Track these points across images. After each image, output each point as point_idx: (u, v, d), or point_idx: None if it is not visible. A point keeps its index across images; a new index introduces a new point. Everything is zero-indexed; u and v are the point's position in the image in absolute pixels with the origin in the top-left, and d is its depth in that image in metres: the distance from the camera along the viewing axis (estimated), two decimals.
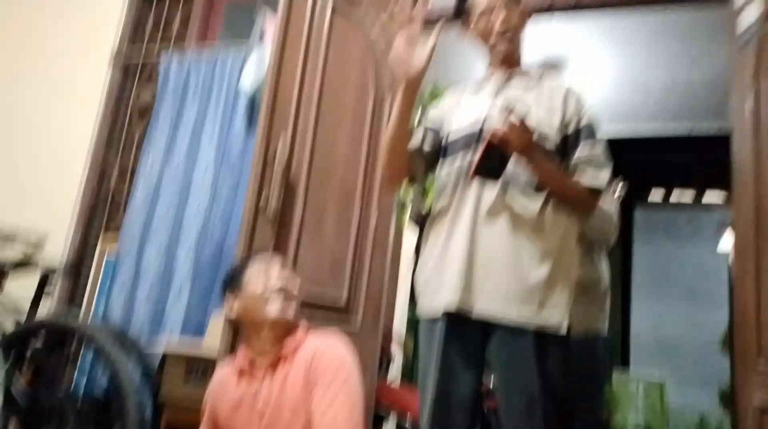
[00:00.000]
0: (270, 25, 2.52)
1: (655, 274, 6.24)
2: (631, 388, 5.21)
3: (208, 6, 3.20)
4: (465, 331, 1.53)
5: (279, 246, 2.11)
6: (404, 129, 1.61)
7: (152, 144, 2.76)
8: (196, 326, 2.37)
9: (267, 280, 1.65)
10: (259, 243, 2.06)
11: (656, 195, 6.24)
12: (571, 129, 1.61)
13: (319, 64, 2.35)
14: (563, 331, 1.51)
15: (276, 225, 2.11)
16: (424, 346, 1.62)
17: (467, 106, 1.69)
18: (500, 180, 1.54)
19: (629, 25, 3.28)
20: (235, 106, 2.66)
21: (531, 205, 1.55)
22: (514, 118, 1.44)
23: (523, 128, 1.46)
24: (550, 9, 2.62)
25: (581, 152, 1.59)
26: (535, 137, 1.50)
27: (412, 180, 1.76)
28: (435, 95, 3.14)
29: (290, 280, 1.68)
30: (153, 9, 3.24)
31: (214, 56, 2.86)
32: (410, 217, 3.58)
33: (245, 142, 2.57)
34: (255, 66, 2.54)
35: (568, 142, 1.61)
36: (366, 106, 2.49)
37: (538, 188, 1.56)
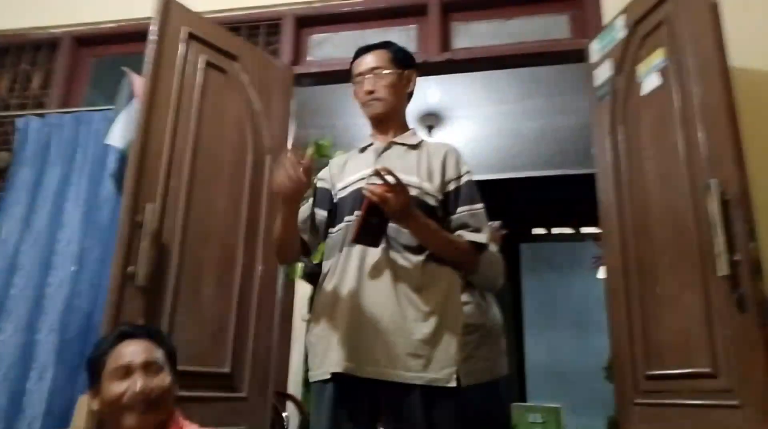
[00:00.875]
0: (140, 82, 2.41)
1: (544, 305, 6.52)
2: (529, 417, 5.36)
3: (72, 63, 3.02)
4: (355, 393, 1.52)
5: (151, 316, 1.97)
6: (291, 228, 1.64)
7: (7, 211, 2.52)
8: (60, 413, 2.12)
9: (126, 375, 1.38)
10: (129, 315, 1.91)
11: (540, 231, 6.59)
12: (451, 187, 1.67)
13: (191, 121, 2.27)
14: (452, 383, 1.52)
15: (147, 294, 1.97)
16: (315, 410, 1.60)
17: (352, 168, 1.73)
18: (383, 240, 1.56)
19: (502, 81, 3.47)
20: (103, 167, 2.50)
21: (413, 261, 1.58)
22: (390, 179, 1.47)
23: (399, 188, 1.47)
24: (423, 67, 2.71)
25: (461, 209, 1.65)
26: (412, 199, 1.52)
27: (306, 254, 1.77)
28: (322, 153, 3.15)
29: (156, 377, 1.41)
30: (10, 66, 3.03)
31: (78, 116, 2.69)
32: (302, 274, 3.51)
33: (115, 206, 2.40)
34: (124, 125, 2.40)
35: (448, 201, 1.66)
36: (245, 163, 2.43)
37: (420, 247, 1.59)
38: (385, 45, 1.79)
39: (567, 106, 3.63)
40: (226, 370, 2.18)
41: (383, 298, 1.55)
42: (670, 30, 2.05)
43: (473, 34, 2.74)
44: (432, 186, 1.65)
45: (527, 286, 6.59)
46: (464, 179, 1.69)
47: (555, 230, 6.51)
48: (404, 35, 2.79)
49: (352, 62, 1.79)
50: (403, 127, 1.79)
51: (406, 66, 1.78)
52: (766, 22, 2.37)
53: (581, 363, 5.83)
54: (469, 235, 1.62)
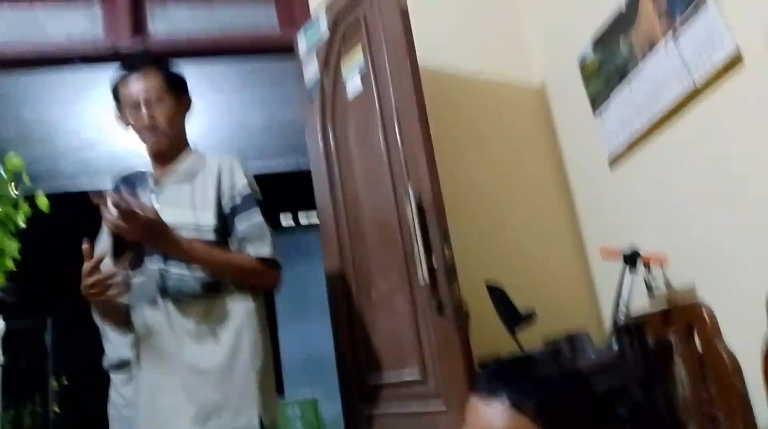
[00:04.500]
0: None
1: (296, 295, 6.49)
2: (288, 412, 5.32)
3: None
4: None
5: None
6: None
7: None
8: None
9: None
10: None
11: (287, 220, 6.51)
12: (228, 208, 1.63)
13: None
14: None
15: None
16: None
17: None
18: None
19: (218, 69, 3.19)
20: None
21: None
22: (122, 205, 1.41)
23: (129, 216, 1.41)
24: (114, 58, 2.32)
25: (240, 226, 1.61)
26: (158, 223, 1.48)
27: None
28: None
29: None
30: None
31: None
32: None
33: None
34: None
35: (228, 221, 1.63)
36: None
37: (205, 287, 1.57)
38: (158, 66, 1.70)
39: (291, 96, 3.51)
40: None
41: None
42: (367, 30, 2.00)
43: (171, 20, 2.42)
44: (209, 216, 1.61)
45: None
46: (241, 194, 1.64)
47: (303, 220, 6.50)
48: (88, 16, 2.36)
49: (116, 82, 1.68)
50: (182, 149, 1.72)
51: (183, 88, 1.73)
52: (451, 22, 2.49)
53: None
54: (253, 251, 1.59)
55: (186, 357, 1.54)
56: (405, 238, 1.80)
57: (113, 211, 1.41)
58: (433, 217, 1.70)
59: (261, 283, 1.65)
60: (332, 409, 5.20)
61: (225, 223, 1.63)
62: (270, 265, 1.62)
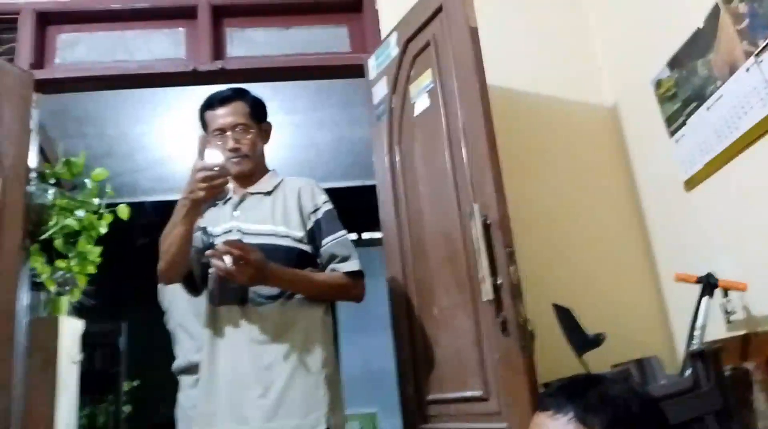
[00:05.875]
0: None
1: (357, 310, 6.54)
2: (348, 426, 5.34)
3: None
4: None
5: None
6: (188, 240, 1.62)
7: None
8: None
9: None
10: None
11: (352, 237, 6.60)
12: (311, 223, 1.72)
13: None
14: None
15: None
16: None
17: (213, 220, 1.75)
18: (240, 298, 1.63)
19: (290, 90, 3.29)
20: None
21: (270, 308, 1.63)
22: (235, 252, 1.49)
23: (243, 262, 1.49)
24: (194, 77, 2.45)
25: (326, 241, 1.70)
26: (263, 258, 1.54)
27: (194, 289, 1.75)
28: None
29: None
30: None
31: None
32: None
33: None
34: None
35: (314, 235, 1.71)
36: None
37: (290, 295, 1.65)
38: (241, 96, 1.79)
39: (361, 117, 3.58)
40: None
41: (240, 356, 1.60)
42: (436, 50, 2.03)
43: (249, 42, 2.53)
44: (290, 228, 1.69)
45: None
46: (322, 211, 1.73)
47: (366, 236, 6.56)
48: (172, 39, 2.51)
49: (203, 110, 1.78)
50: (263, 173, 1.81)
51: (264, 117, 1.83)
52: (522, 43, 2.49)
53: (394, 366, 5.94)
54: (340, 267, 1.68)
55: (258, 357, 1.59)
56: (469, 255, 1.80)
57: (227, 259, 1.49)
58: (498, 234, 1.69)
59: (349, 296, 1.74)
60: (391, 425, 5.19)
61: (311, 237, 1.71)
62: (355, 277, 1.70)
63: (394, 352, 2.20)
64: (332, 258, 1.70)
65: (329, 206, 1.76)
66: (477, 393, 1.77)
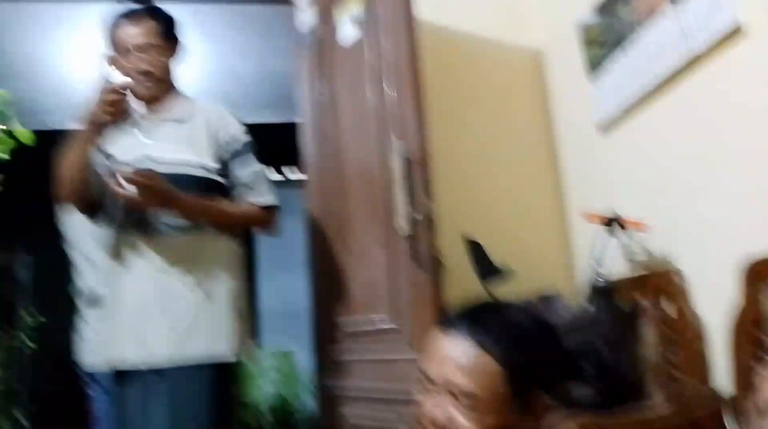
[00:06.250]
0: None
1: (277, 248, 6.50)
2: (263, 362, 5.38)
3: None
4: (126, 383, 1.53)
5: None
6: (87, 163, 1.57)
7: None
8: None
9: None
10: None
11: (275, 177, 6.48)
12: (225, 154, 1.66)
13: None
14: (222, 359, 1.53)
15: None
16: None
17: (120, 143, 1.64)
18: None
19: (211, 14, 3.10)
20: None
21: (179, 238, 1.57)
22: (141, 181, 1.44)
23: (151, 190, 1.45)
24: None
25: (241, 173, 1.66)
26: (170, 188, 1.49)
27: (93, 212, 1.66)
28: None
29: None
30: None
31: None
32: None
33: None
34: None
35: (228, 167, 1.66)
36: None
37: (196, 225, 1.59)
38: (153, 14, 1.68)
39: (287, 47, 3.44)
40: None
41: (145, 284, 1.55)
42: None
43: None
44: (202, 158, 1.62)
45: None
46: (238, 142, 1.68)
47: (288, 178, 6.46)
48: None
49: (110, 28, 1.67)
50: (175, 97, 1.72)
51: (177, 38, 1.72)
52: None
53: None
54: (254, 199, 1.65)
55: (163, 287, 1.55)
56: (388, 190, 1.80)
57: (129, 187, 1.44)
58: (418, 171, 1.69)
59: (262, 228, 1.73)
60: (308, 362, 5.28)
61: (225, 169, 1.66)
62: (269, 210, 1.68)
63: (309, 285, 2.21)
64: (246, 190, 1.67)
65: (245, 138, 1.70)
66: (388, 325, 1.80)
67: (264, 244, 6.81)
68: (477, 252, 1.84)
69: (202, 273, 1.58)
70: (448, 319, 0.89)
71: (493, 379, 0.81)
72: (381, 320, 1.83)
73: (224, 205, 1.64)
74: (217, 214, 1.61)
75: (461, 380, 0.81)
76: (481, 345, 0.82)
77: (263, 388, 5.21)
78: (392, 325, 1.79)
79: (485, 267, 1.81)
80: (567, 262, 2.25)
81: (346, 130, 2.04)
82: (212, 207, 1.60)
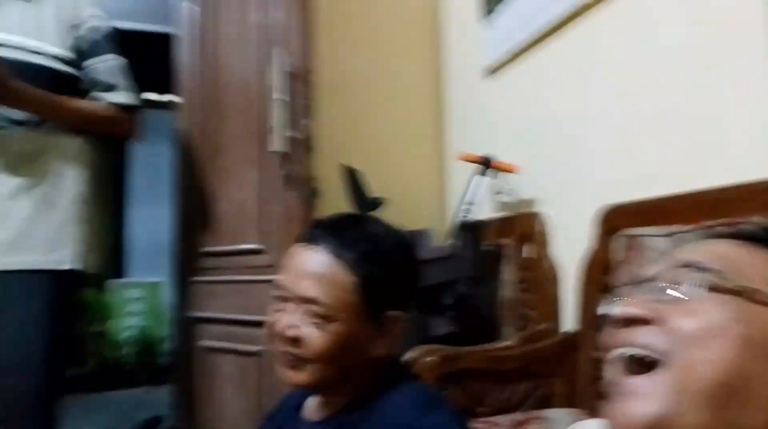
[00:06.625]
0: None
1: (152, 177, 6.13)
2: (129, 293, 5.14)
3: None
4: None
5: None
6: None
7: None
8: None
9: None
10: None
11: (152, 96, 6.03)
12: (73, 39, 1.46)
13: None
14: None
15: None
16: None
17: None
18: None
19: None
20: None
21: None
22: None
23: None
24: None
25: (90, 63, 1.47)
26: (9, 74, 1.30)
27: None
28: None
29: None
30: None
31: None
32: None
33: None
34: None
35: (77, 55, 1.46)
36: None
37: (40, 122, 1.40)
38: None
39: None
40: None
41: None
42: None
43: None
44: (44, 42, 1.42)
45: (136, 158, 6.07)
46: (87, 25, 1.47)
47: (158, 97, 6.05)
48: None
49: None
50: None
51: None
52: None
53: None
54: (106, 96, 1.47)
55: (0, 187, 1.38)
56: (264, 105, 1.69)
57: None
58: (298, 85, 1.61)
59: (115, 131, 1.53)
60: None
61: (80, 56, 1.47)
62: (128, 110, 1.51)
63: (173, 213, 2.07)
64: (95, 84, 1.48)
65: (96, 22, 1.50)
66: (255, 246, 1.74)
67: (138, 174, 6.40)
68: (354, 180, 1.80)
69: (41, 174, 1.41)
70: (305, 230, 0.84)
71: (344, 287, 0.79)
72: (247, 241, 1.76)
73: (76, 103, 1.45)
74: (59, 110, 1.42)
75: (313, 290, 0.78)
76: (335, 254, 0.79)
77: (126, 320, 4.99)
78: (258, 246, 1.72)
79: (360, 196, 1.78)
80: (441, 199, 2.28)
81: (227, 42, 1.89)
82: (54, 101, 1.40)
